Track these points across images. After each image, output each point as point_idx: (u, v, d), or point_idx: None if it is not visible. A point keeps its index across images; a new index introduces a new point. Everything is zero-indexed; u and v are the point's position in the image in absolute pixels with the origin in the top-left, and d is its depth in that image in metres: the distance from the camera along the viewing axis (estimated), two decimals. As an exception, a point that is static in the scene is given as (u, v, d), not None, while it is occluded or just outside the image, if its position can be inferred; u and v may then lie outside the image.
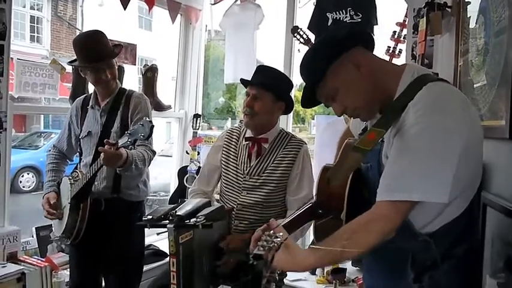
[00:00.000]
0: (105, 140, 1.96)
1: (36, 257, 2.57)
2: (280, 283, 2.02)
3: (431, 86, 1.13)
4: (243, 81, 2.27)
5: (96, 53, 2.13)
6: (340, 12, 2.98)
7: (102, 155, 1.93)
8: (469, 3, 1.88)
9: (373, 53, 1.30)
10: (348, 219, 1.18)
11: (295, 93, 3.76)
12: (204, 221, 1.64)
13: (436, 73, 2.04)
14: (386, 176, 1.12)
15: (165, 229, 1.65)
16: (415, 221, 1.15)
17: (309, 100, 1.33)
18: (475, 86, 1.66)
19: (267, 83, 2.14)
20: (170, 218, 1.65)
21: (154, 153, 2.27)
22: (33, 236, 2.77)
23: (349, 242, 1.10)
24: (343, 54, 1.21)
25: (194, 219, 1.66)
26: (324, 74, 1.23)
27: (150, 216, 1.73)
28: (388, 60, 2.70)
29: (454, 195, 1.09)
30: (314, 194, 1.37)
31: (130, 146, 1.94)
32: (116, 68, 2.26)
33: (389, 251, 1.18)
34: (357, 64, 1.21)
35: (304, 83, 1.33)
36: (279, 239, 1.13)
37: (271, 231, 1.17)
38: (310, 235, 3.15)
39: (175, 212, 1.68)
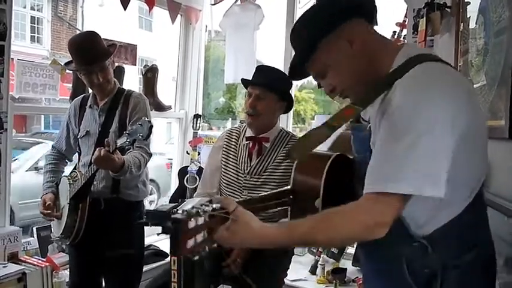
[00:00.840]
0: (105, 140, 1.96)
1: (36, 257, 2.57)
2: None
3: (425, 65, 1.00)
4: (244, 81, 2.27)
5: (87, 56, 2.12)
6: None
7: (94, 155, 1.92)
8: (468, 3, 1.89)
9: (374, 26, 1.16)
10: (324, 208, 1.09)
11: (295, 93, 3.76)
12: (205, 220, 1.63)
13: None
14: (373, 164, 0.98)
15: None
16: (410, 220, 1.02)
17: (297, 72, 1.21)
18: (474, 86, 1.66)
19: (271, 83, 2.15)
20: (171, 217, 1.65)
21: (150, 155, 2.25)
22: (33, 236, 2.78)
23: (321, 224, 0.97)
24: (338, 27, 1.09)
25: (195, 218, 1.65)
26: (315, 48, 1.11)
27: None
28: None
29: (450, 189, 0.93)
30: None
31: (128, 147, 1.94)
32: (111, 70, 2.25)
33: (384, 256, 1.08)
34: (350, 40, 1.08)
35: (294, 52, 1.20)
36: (213, 207, 0.95)
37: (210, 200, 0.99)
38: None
39: (177, 210, 1.68)
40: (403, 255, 1.04)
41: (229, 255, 1.94)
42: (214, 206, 0.96)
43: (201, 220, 0.91)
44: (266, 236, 0.99)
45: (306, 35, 1.12)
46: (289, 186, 1.27)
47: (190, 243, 0.88)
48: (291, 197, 1.19)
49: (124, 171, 2.03)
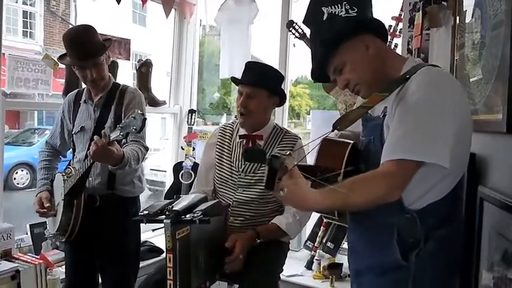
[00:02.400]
0: (95, 136, 1.91)
1: (30, 254, 2.54)
2: None
3: (432, 67, 1.27)
4: (234, 79, 2.25)
5: (81, 51, 2.09)
6: (336, 6, 2.92)
7: (91, 149, 1.89)
8: (465, -4, 1.88)
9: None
10: None
11: (290, 88, 3.75)
12: (201, 216, 1.63)
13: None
14: (391, 139, 1.19)
15: (162, 224, 1.64)
16: (405, 195, 1.19)
17: (320, 74, 1.44)
18: (471, 80, 1.65)
19: (260, 81, 2.13)
20: (167, 213, 1.65)
21: (147, 149, 2.23)
22: (27, 233, 2.76)
23: (354, 189, 1.16)
24: (360, 35, 1.33)
25: (191, 214, 1.65)
26: (337, 48, 1.33)
27: (147, 212, 1.72)
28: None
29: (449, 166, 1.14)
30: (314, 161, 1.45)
31: (123, 140, 1.91)
32: (106, 66, 2.22)
33: (375, 225, 1.28)
34: (367, 45, 1.32)
35: (316, 56, 1.42)
36: (292, 158, 1.22)
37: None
38: (305, 235, 3.16)
39: (172, 207, 1.67)
40: (395, 224, 1.23)
41: (232, 252, 1.93)
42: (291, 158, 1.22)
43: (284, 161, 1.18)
44: (314, 199, 1.21)
45: (329, 38, 1.36)
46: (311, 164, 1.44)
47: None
48: (319, 173, 1.32)
49: (124, 164, 1.99)
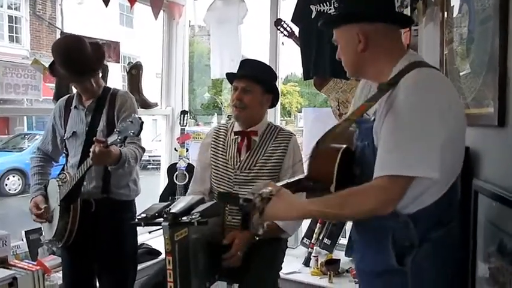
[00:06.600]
0: (94, 138, 1.93)
1: (27, 260, 2.53)
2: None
3: (422, 69, 1.22)
4: (230, 75, 2.26)
5: (77, 68, 2.10)
6: (324, 4, 2.98)
7: (91, 153, 1.90)
8: (452, -8, 1.90)
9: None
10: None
11: (280, 86, 3.76)
12: (199, 218, 1.64)
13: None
14: (382, 153, 1.19)
15: (160, 227, 1.64)
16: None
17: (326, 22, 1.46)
18: (461, 74, 1.67)
19: (256, 75, 2.15)
20: (164, 215, 1.65)
21: (143, 150, 2.24)
22: (22, 240, 2.74)
23: (346, 201, 1.18)
24: (361, 23, 1.30)
25: (189, 216, 1.65)
26: (337, 27, 1.36)
27: (144, 215, 1.72)
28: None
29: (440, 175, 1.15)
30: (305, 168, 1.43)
31: (120, 144, 1.92)
32: (100, 72, 2.24)
33: (372, 228, 1.29)
34: (359, 39, 1.30)
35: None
36: (268, 190, 1.21)
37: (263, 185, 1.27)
38: (301, 232, 3.18)
39: (170, 209, 1.68)
40: (389, 228, 1.24)
41: (230, 249, 1.94)
42: (267, 190, 1.19)
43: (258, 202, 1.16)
44: (302, 210, 1.24)
45: (333, 17, 1.42)
46: (303, 175, 1.41)
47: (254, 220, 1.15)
48: (311, 183, 1.34)
49: (122, 162, 2.02)
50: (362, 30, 1.29)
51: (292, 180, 1.42)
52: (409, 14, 2.29)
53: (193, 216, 1.64)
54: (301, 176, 1.41)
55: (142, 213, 1.74)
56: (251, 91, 2.14)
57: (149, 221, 1.70)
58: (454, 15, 1.82)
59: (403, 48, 1.37)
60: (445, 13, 1.96)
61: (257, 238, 2.02)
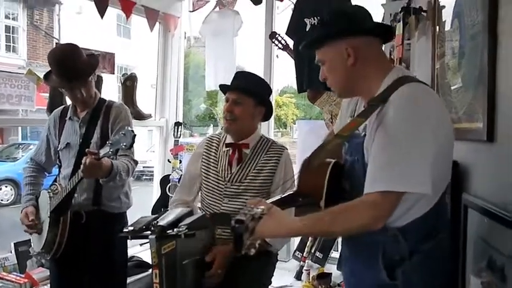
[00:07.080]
0: (86, 150, 1.92)
1: (15, 273, 2.50)
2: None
3: (411, 85, 1.23)
4: (222, 87, 2.25)
5: (69, 73, 2.09)
6: (318, 17, 3.01)
7: (82, 165, 1.89)
8: (443, 7, 1.91)
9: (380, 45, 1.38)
10: (326, 208, 1.24)
11: (276, 98, 3.77)
12: (186, 230, 1.62)
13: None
14: (372, 169, 1.19)
15: (147, 240, 1.62)
16: None
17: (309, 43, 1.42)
18: (452, 88, 1.68)
19: (248, 88, 2.14)
20: (152, 228, 1.63)
21: (136, 163, 2.23)
22: (11, 252, 2.70)
23: (337, 217, 1.17)
24: (348, 38, 1.30)
25: (176, 229, 1.63)
26: (322, 45, 1.34)
27: (132, 228, 1.70)
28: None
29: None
30: (295, 183, 1.42)
31: (112, 156, 1.91)
32: (93, 83, 2.22)
33: (362, 242, 1.28)
34: (348, 53, 1.29)
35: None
36: (260, 209, 1.19)
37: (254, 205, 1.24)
38: (293, 245, 3.15)
39: (157, 222, 1.66)
40: (379, 242, 1.23)
41: (211, 266, 1.92)
42: (259, 209, 1.18)
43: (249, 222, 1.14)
44: (292, 228, 1.23)
45: (319, 33, 1.38)
46: (292, 190, 1.40)
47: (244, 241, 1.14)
48: (301, 199, 1.33)
49: (114, 175, 2.00)
50: (350, 44, 1.29)
51: (283, 196, 1.40)
52: (401, 29, 2.30)
53: (180, 229, 1.62)
54: (291, 191, 1.40)
55: (130, 226, 1.72)
56: (242, 103, 2.13)
57: (136, 233, 1.68)
58: (446, 30, 1.83)
59: (388, 61, 1.39)
60: (437, 27, 1.98)
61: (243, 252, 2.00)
